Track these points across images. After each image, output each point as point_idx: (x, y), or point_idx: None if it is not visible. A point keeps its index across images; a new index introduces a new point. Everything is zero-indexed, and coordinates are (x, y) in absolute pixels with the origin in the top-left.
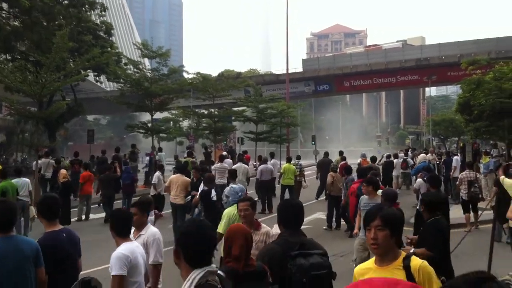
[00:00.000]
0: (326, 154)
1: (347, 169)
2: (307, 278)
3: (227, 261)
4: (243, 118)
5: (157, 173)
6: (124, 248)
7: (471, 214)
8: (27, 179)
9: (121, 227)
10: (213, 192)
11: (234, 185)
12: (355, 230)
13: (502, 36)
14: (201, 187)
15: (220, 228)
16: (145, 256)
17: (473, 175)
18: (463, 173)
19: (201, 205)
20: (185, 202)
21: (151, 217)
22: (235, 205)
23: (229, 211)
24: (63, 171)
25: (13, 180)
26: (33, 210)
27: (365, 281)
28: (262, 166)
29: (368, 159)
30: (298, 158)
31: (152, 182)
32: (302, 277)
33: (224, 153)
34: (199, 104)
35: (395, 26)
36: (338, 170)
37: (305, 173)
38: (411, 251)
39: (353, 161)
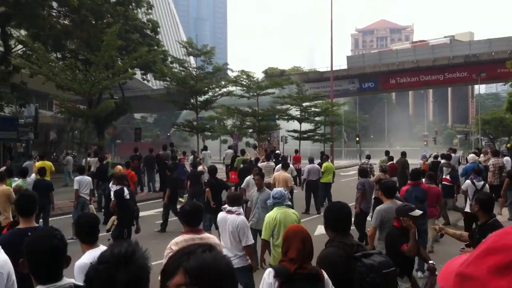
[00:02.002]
0: (404, 154)
1: (361, 171)
2: (380, 277)
3: (282, 260)
4: (287, 117)
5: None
6: (88, 257)
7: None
8: (89, 178)
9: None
10: (126, 191)
11: (279, 188)
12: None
13: None
14: (114, 187)
15: (265, 235)
16: None
17: (501, 161)
18: (493, 159)
19: (117, 206)
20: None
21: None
22: (275, 208)
23: (269, 216)
24: (118, 166)
25: (77, 178)
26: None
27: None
28: (309, 165)
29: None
30: (368, 157)
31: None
32: (375, 276)
33: (277, 151)
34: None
35: (442, 21)
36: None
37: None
38: None
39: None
